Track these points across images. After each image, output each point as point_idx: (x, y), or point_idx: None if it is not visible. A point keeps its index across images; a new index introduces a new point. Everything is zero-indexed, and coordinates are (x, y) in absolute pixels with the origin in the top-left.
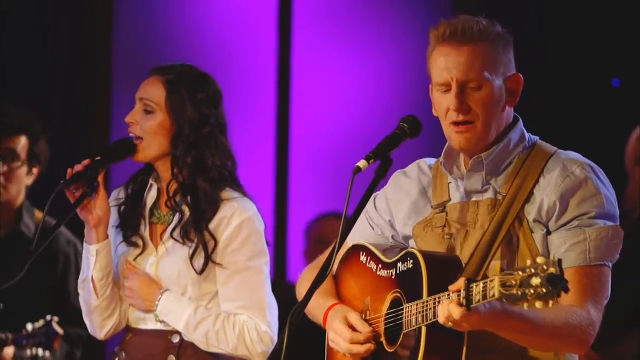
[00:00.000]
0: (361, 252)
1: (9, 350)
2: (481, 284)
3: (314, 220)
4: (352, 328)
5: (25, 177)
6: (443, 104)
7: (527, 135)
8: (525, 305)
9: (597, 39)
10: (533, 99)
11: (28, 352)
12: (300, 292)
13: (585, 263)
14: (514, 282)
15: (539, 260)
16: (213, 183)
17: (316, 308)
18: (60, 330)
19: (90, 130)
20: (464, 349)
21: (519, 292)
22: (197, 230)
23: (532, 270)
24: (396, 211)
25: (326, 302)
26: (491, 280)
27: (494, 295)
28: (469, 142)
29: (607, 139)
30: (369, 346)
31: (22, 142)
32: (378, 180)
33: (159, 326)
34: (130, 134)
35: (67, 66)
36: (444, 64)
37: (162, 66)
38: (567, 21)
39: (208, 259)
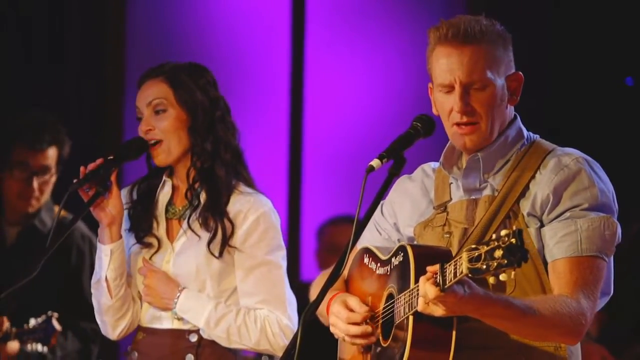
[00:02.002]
0: (365, 255)
1: (14, 345)
2: (453, 263)
3: (326, 224)
4: (351, 310)
5: (53, 182)
6: (446, 104)
7: (525, 133)
8: (492, 278)
9: (610, 37)
10: (545, 98)
11: (28, 347)
12: (313, 295)
13: (577, 254)
14: (478, 256)
15: (502, 233)
16: (228, 167)
17: (322, 304)
18: (58, 327)
19: (103, 129)
20: (453, 338)
21: (484, 266)
22: (214, 216)
23: (496, 243)
24: (400, 214)
25: (330, 294)
26: (460, 257)
27: (462, 272)
28: (474, 143)
29: (621, 138)
30: (367, 328)
31: (52, 155)
32: (391, 179)
33: (175, 325)
34: (151, 141)
35: (80, 66)
36: (447, 66)
37: (151, 69)
38: (580, 19)
39: (226, 242)
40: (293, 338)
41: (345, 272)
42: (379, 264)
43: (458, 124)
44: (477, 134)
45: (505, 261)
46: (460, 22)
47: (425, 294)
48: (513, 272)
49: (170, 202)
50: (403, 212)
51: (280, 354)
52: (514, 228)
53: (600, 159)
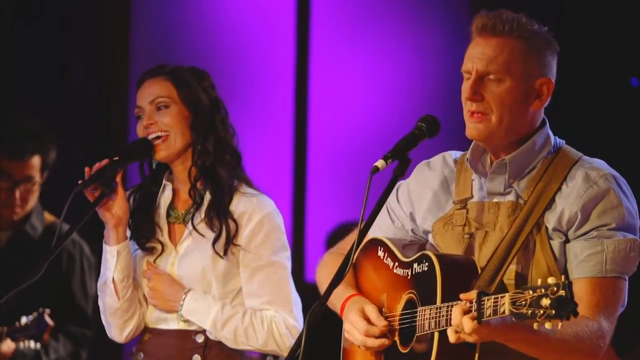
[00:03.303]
0: (379, 247)
1: (9, 345)
2: (492, 299)
3: (336, 230)
4: (368, 321)
5: (38, 189)
6: (463, 90)
7: (553, 139)
8: (535, 325)
9: (615, 37)
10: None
11: (21, 344)
12: (320, 279)
13: (601, 274)
14: (524, 302)
15: (550, 281)
16: (228, 167)
17: (335, 297)
18: (50, 322)
19: (108, 131)
20: (476, 356)
21: (529, 312)
22: (219, 215)
23: (543, 291)
24: (418, 204)
25: (345, 292)
26: (502, 297)
27: (504, 312)
28: (480, 133)
29: (625, 140)
30: (384, 341)
31: (36, 163)
32: (396, 179)
33: (182, 326)
34: (151, 135)
35: (84, 67)
36: (471, 54)
37: (152, 69)
38: (585, 19)
39: (230, 241)
40: (298, 338)
41: (354, 256)
42: (397, 264)
43: (470, 112)
44: (485, 124)
45: (554, 312)
46: (495, 16)
47: (460, 325)
48: (560, 323)
49: (171, 207)
50: (422, 204)
51: (287, 354)
52: (563, 279)
53: (604, 160)
